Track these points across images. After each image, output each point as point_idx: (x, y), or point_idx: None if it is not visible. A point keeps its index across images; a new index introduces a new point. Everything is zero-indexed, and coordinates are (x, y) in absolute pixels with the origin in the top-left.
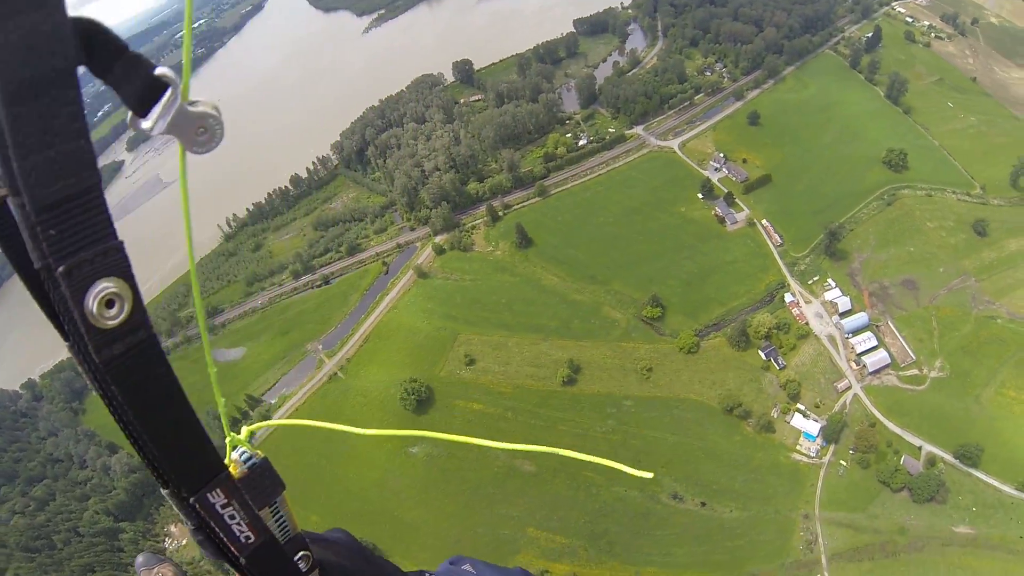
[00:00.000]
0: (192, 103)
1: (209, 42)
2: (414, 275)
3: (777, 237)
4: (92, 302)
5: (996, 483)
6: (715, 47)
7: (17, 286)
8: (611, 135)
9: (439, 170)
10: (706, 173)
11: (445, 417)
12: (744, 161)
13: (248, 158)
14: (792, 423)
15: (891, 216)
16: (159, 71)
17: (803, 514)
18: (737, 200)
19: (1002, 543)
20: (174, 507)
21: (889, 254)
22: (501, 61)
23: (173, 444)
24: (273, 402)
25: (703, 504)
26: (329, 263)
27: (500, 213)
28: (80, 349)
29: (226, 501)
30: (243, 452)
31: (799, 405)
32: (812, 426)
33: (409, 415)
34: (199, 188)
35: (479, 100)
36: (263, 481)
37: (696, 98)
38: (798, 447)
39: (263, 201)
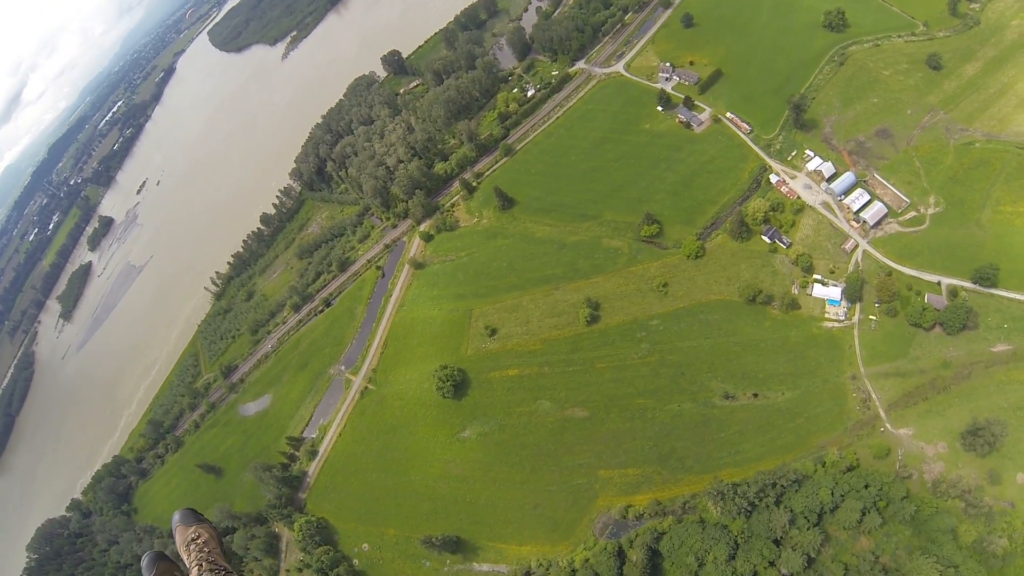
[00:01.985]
0: None
1: (134, 119)
2: (411, 269)
3: (745, 125)
4: None
5: (1019, 296)
6: None
7: (30, 421)
8: (556, 78)
9: (402, 162)
10: (658, 85)
11: (485, 393)
12: (691, 63)
13: (212, 214)
14: (814, 294)
15: (847, 74)
16: None
17: (850, 376)
18: (696, 102)
19: None
20: None
21: (856, 110)
22: (427, 42)
23: None
24: (315, 436)
25: (755, 395)
26: (324, 285)
27: (474, 183)
28: None
29: None
30: None
31: (815, 275)
32: (833, 291)
33: (450, 402)
34: (175, 260)
35: (418, 85)
36: None
37: (626, 18)
38: (826, 315)
39: (241, 249)
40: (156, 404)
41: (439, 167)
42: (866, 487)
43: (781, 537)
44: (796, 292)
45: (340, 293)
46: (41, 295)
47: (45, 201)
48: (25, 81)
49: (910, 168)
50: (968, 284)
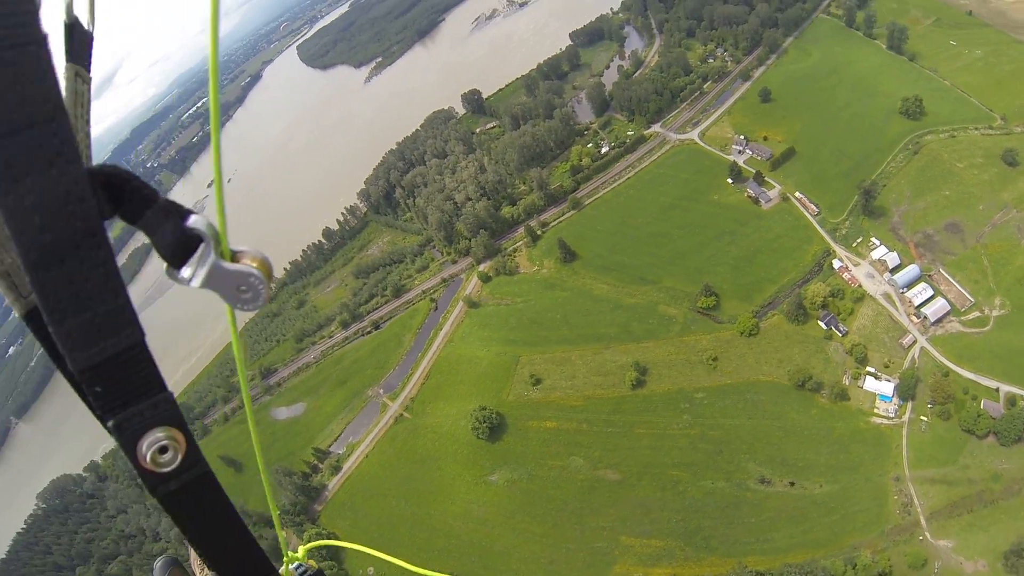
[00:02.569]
0: (235, 256)
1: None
2: (464, 306)
3: (813, 207)
4: (145, 451)
5: None
6: (712, 33)
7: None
8: (631, 138)
9: (471, 200)
10: (731, 157)
11: (520, 440)
12: (765, 139)
13: (277, 219)
14: (865, 387)
15: (920, 164)
16: (192, 222)
17: (894, 477)
18: (766, 178)
19: None
20: None
21: (926, 202)
22: (508, 85)
23: (227, 561)
24: (341, 452)
25: (792, 484)
26: (376, 308)
27: (539, 232)
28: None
29: None
30: (300, 566)
31: (869, 368)
32: (886, 387)
33: (484, 444)
34: None
35: (495, 126)
36: None
37: (705, 86)
38: (876, 410)
39: (299, 258)
40: (191, 389)
41: (506, 210)
42: None
43: None
44: (847, 383)
45: (391, 318)
46: None
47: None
48: (120, 65)
49: (977, 266)
50: None
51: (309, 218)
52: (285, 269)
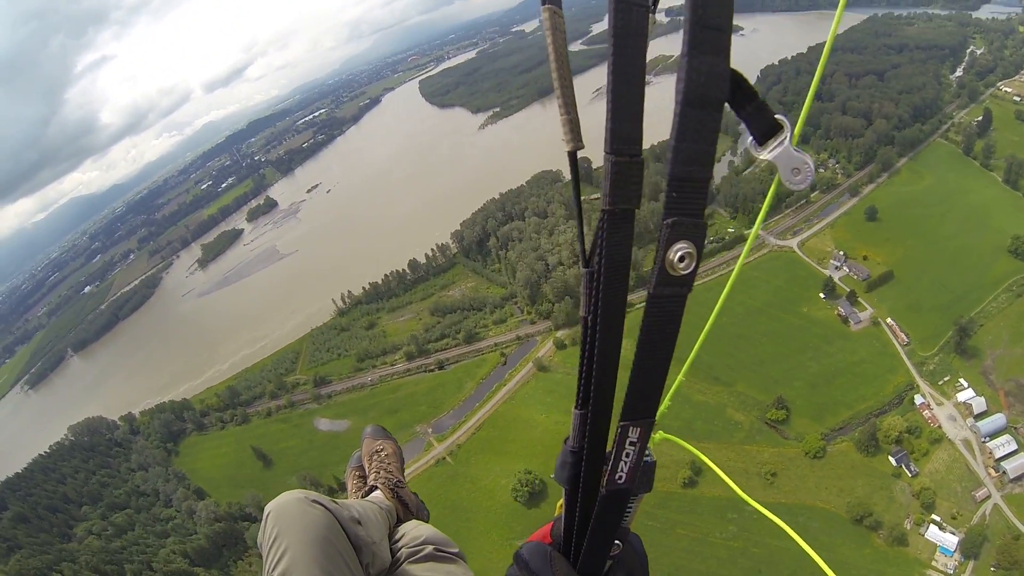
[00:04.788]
0: (798, 149)
1: (329, 129)
2: (534, 368)
3: (903, 336)
4: (673, 253)
5: None
6: (826, 143)
7: (133, 328)
8: (731, 235)
9: (563, 264)
10: (827, 272)
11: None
12: (865, 258)
13: (367, 240)
14: (927, 536)
15: (1022, 308)
16: (779, 117)
17: None
18: (860, 299)
19: None
20: (572, 425)
21: None
22: None
23: (647, 376)
24: None
25: None
26: (445, 349)
27: None
28: (595, 279)
29: (636, 440)
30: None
31: (934, 516)
32: (949, 539)
33: (520, 507)
34: (316, 263)
35: (599, 198)
36: (646, 475)
37: (812, 196)
38: (934, 563)
39: (379, 282)
40: (244, 375)
41: None
42: None
43: None
44: (908, 527)
45: (457, 362)
46: (191, 236)
47: (227, 163)
48: (252, 61)
49: None
50: None
51: (398, 245)
52: (363, 288)
